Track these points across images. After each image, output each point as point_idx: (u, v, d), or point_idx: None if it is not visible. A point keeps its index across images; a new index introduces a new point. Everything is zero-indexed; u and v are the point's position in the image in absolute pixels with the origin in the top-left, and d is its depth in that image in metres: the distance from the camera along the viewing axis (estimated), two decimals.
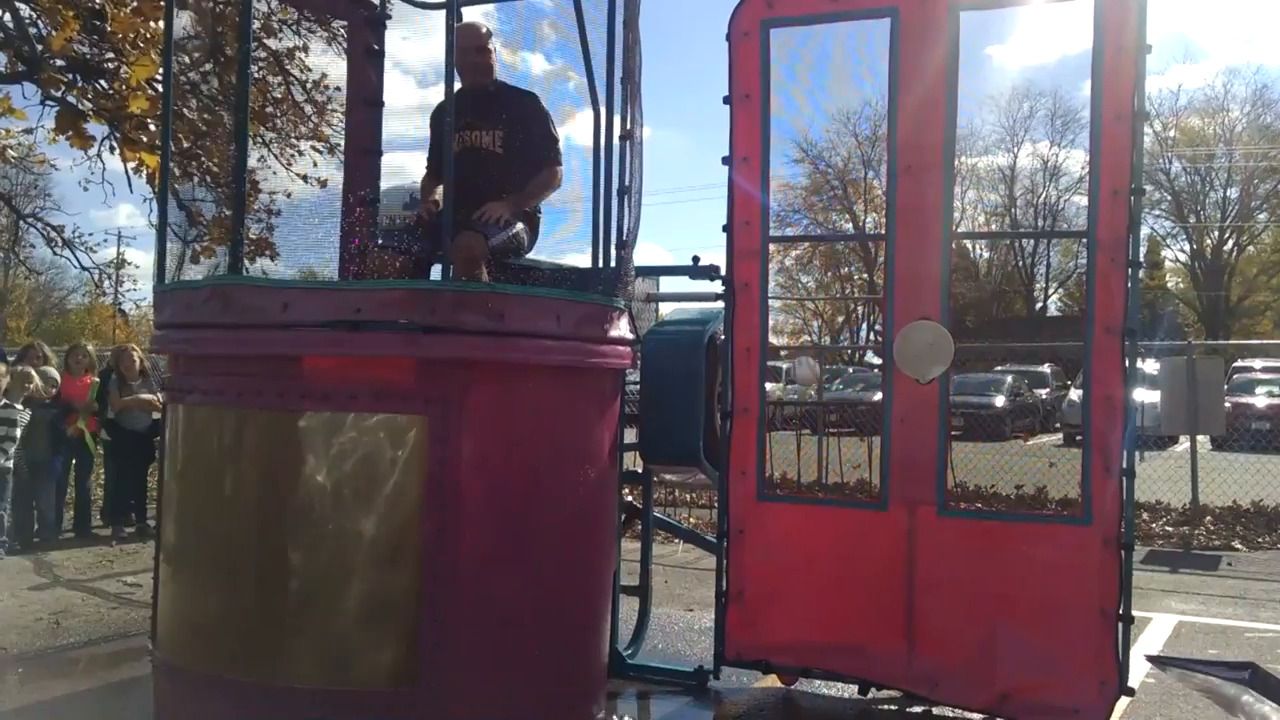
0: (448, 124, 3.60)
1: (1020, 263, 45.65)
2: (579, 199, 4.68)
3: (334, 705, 3.42)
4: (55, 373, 8.80)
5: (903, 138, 4.35)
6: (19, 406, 7.92)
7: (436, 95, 4.56)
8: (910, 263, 4.35)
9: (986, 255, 45.82)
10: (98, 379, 9.18)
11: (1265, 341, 33.47)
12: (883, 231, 4.50)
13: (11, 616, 5.93)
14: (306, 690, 3.43)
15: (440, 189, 4.55)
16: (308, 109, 9.53)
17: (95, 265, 12.39)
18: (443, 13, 4.89)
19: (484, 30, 4.68)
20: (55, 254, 11.98)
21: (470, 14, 5.10)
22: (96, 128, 8.20)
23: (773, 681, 4.72)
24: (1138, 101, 4.03)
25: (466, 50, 4.39)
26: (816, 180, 42.25)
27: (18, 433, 7.87)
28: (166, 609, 3.85)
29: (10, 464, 7.82)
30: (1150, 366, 12.23)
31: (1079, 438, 4.33)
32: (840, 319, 46.37)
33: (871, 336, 42.12)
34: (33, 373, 8.27)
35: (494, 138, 4.57)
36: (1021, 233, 49.89)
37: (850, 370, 26.22)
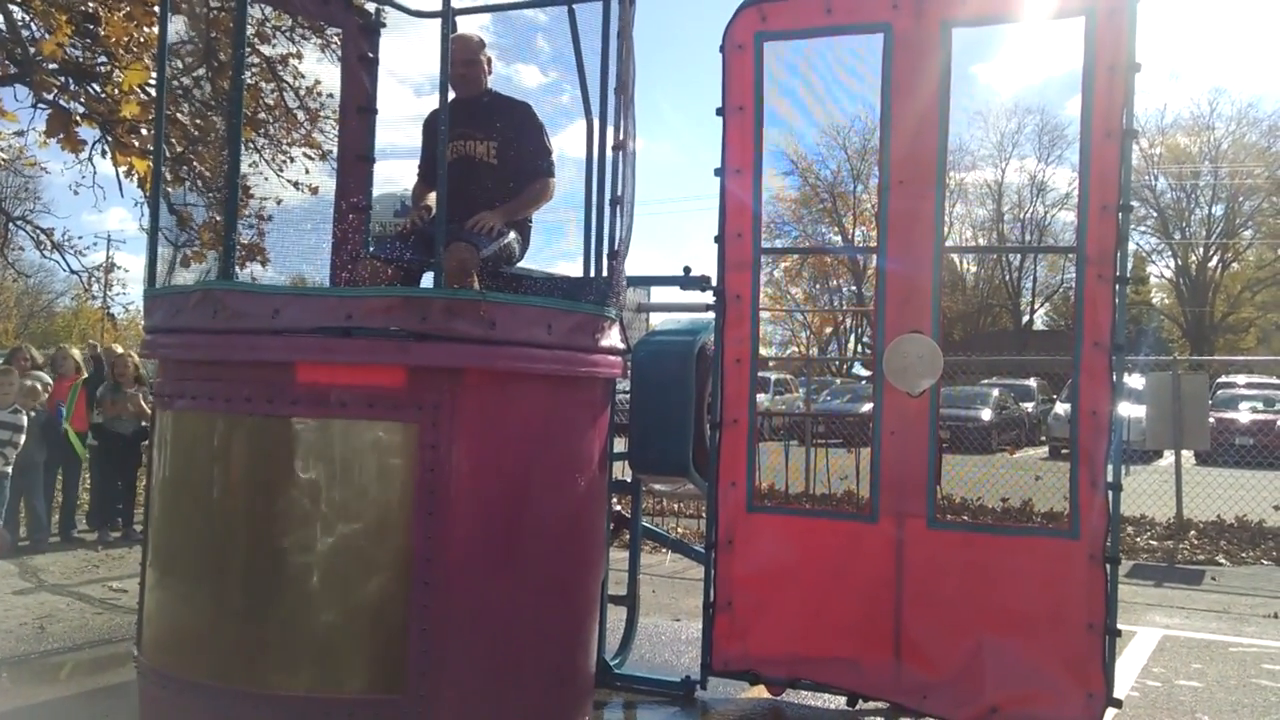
0: (442, 133, 3.60)
1: (1007, 277, 45.93)
2: (572, 208, 4.71)
3: (320, 712, 3.40)
4: (47, 376, 8.79)
5: (895, 151, 4.38)
6: (22, 411, 7.92)
7: (427, 104, 4.57)
8: (901, 276, 4.37)
9: (973, 269, 46.11)
10: (85, 376, 9.20)
11: (1249, 358, 33.71)
12: (873, 244, 4.52)
13: None
14: (292, 697, 3.42)
15: (431, 196, 4.56)
16: (300, 115, 9.54)
17: (85, 268, 12.39)
18: (436, 21, 4.93)
19: (475, 41, 4.67)
20: (44, 257, 12.00)
21: (465, 24, 5.11)
22: (88, 131, 8.18)
23: (760, 692, 4.72)
24: (1127, 119, 4.07)
25: (454, 63, 4.40)
26: (806, 192, 42.46)
27: (21, 439, 7.86)
28: (153, 615, 3.83)
29: (9, 469, 7.80)
30: (1135, 381, 12.31)
31: (1065, 451, 4.36)
32: (828, 330, 46.53)
33: (859, 348, 42.26)
34: (38, 387, 8.29)
35: (487, 148, 4.58)
36: (1010, 247, 50.25)
37: (838, 382, 26.32)
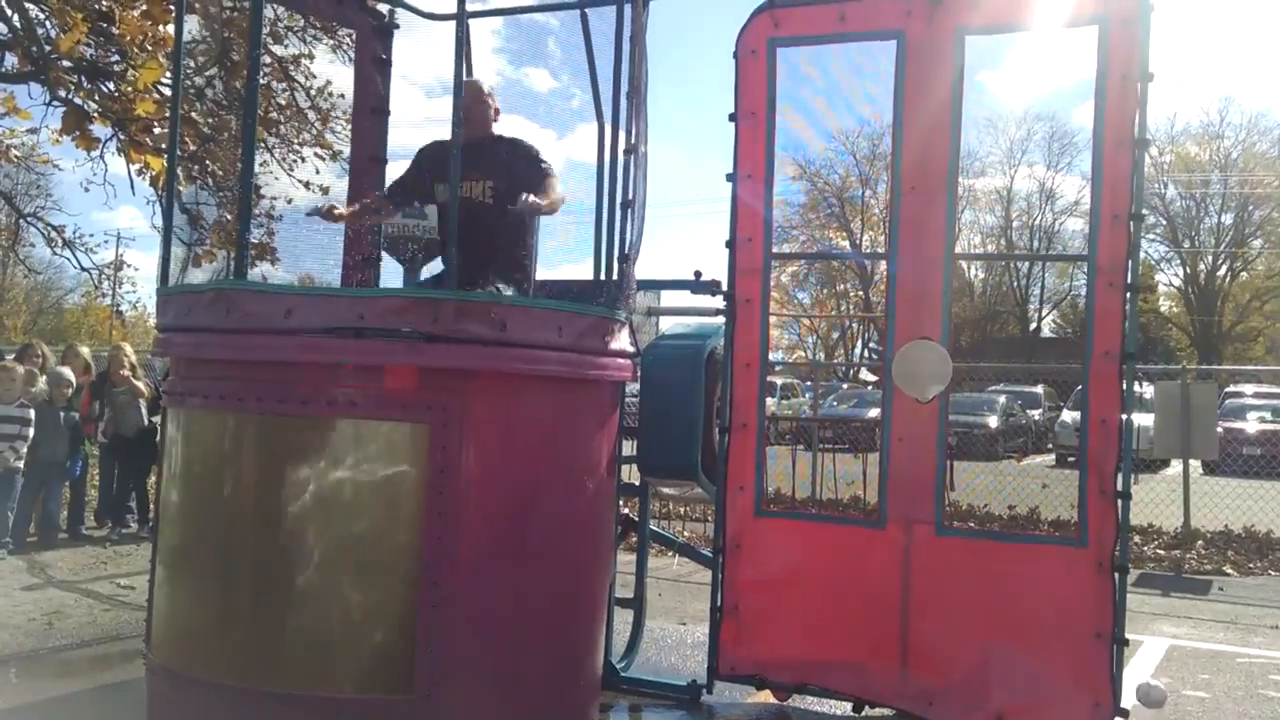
0: (453, 158, 3.53)
1: (1015, 284, 45.86)
2: (583, 212, 4.71)
3: (328, 711, 3.41)
4: (70, 374, 8.82)
5: (908, 158, 4.38)
6: (29, 405, 7.97)
7: (437, 107, 4.57)
8: (912, 282, 4.37)
9: (980, 276, 46.06)
10: (94, 379, 9.23)
11: (1258, 367, 33.61)
12: (881, 250, 4.52)
13: (4, 617, 5.91)
14: (301, 696, 3.43)
15: (353, 208, 4.60)
16: (311, 115, 9.57)
17: (95, 266, 12.44)
18: (447, 25, 4.95)
19: (486, 89, 4.67)
20: (55, 254, 12.05)
21: (477, 28, 5.13)
22: (102, 130, 8.22)
23: (766, 697, 4.72)
24: (1140, 128, 4.06)
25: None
26: (814, 197, 42.44)
27: (30, 432, 7.89)
28: (162, 612, 3.84)
29: (21, 464, 7.83)
30: (1143, 390, 12.27)
31: (1071, 459, 4.36)
32: (835, 335, 46.49)
33: (866, 353, 42.23)
34: (35, 372, 8.32)
35: (483, 188, 4.54)
36: (1021, 255, 50.16)
37: (844, 386, 26.30)
